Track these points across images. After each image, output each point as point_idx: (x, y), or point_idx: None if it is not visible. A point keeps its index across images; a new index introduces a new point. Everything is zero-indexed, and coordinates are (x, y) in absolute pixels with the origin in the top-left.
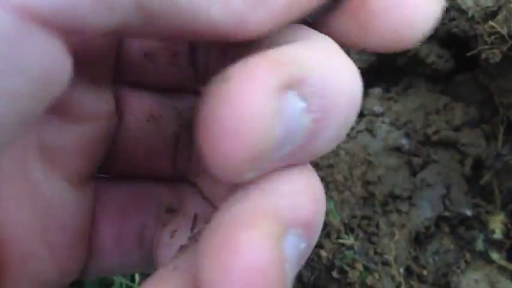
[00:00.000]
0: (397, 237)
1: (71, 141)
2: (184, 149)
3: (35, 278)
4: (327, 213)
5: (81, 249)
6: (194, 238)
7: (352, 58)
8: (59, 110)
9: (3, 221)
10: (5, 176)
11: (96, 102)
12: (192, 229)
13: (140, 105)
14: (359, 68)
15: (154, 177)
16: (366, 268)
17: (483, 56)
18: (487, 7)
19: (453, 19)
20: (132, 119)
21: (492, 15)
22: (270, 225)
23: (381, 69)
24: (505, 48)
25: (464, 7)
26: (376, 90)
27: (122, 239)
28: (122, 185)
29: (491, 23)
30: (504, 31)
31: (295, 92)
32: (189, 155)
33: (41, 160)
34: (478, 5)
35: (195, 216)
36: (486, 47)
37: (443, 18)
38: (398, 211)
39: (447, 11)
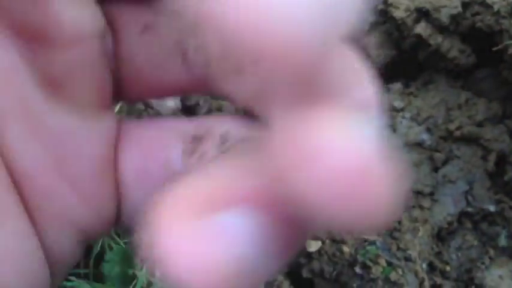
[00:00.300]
0: (420, 233)
1: (67, 68)
2: (196, 55)
3: (63, 216)
4: None
5: (106, 185)
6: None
7: (371, 54)
8: (43, 36)
9: (15, 160)
10: (7, 117)
11: (82, 20)
12: (221, 145)
13: (129, 18)
14: (379, 63)
15: (171, 92)
16: (389, 264)
17: (510, 51)
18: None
19: (477, 13)
20: (125, 34)
21: None
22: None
23: (401, 64)
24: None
25: (489, 1)
26: (396, 86)
27: (147, 172)
28: (145, 121)
29: None
30: None
31: None
32: (206, 59)
33: (41, 93)
34: (504, 0)
35: (225, 133)
36: None
37: (465, 13)
38: (421, 207)
39: (469, 5)
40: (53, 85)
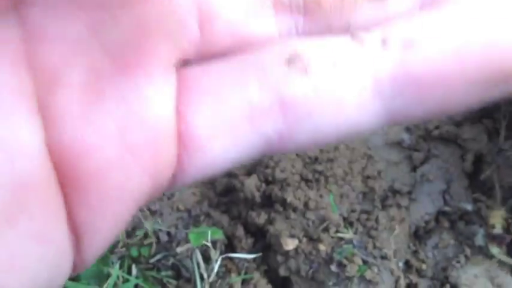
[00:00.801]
0: (396, 231)
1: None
2: None
3: (123, 186)
4: (326, 207)
5: (168, 147)
6: None
7: None
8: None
9: (72, 132)
10: (72, 86)
11: None
12: None
13: None
14: None
15: None
16: (365, 262)
17: None
18: None
19: None
20: None
21: None
22: None
23: None
24: None
25: None
26: None
27: (220, 121)
28: (207, 66)
29: None
30: None
31: None
32: None
33: (108, 61)
34: None
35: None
36: None
37: None
38: (398, 205)
39: None
40: (120, 53)
